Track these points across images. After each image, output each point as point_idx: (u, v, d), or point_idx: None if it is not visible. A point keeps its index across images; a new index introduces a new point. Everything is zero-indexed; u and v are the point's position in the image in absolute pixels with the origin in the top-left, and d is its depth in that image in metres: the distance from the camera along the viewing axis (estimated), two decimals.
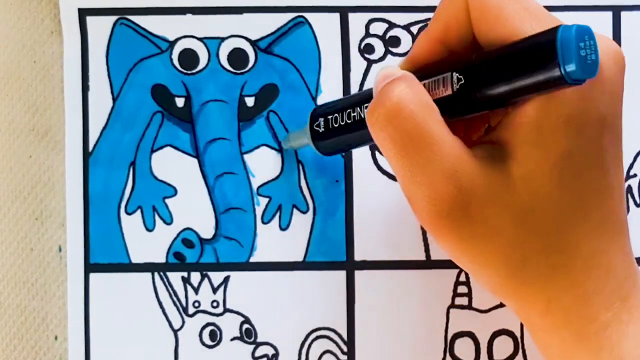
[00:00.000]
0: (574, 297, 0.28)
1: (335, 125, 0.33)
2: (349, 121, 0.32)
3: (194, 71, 0.37)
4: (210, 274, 0.37)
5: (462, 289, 0.37)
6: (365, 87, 0.37)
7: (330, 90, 0.37)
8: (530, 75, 0.25)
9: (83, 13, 0.37)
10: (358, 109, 0.31)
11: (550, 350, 0.30)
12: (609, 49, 0.28)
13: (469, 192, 0.27)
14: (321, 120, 0.33)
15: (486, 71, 0.27)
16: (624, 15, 0.37)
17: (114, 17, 0.37)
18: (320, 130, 0.33)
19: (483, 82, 0.27)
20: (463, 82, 0.28)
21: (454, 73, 0.28)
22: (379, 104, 0.28)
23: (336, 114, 0.32)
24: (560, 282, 0.28)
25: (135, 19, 0.37)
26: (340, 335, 0.37)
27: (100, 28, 0.37)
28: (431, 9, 0.37)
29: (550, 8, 0.37)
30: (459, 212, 0.28)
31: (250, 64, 0.37)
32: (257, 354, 0.37)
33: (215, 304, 0.37)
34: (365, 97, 0.31)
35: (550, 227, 0.28)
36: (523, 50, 0.26)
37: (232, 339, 0.37)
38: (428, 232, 0.29)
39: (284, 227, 0.37)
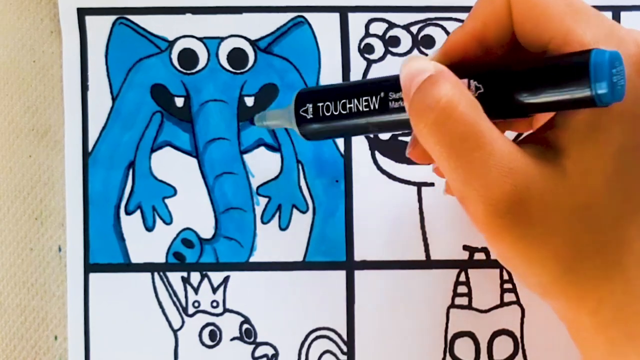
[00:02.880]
0: (625, 295, 0.28)
1: (327, 114, 0.31)
2: (343, 112, 0.30)
3: (193, 71, 0.37)
4: (210, 274, 0.37)
5: (462, 289, 0.37)
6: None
7: None
8: (559, 93, 0.25)
9: (82, 13, 0.37)
10: (356, 100, 0.30)
11: (596, 351, 0.29)
12: None
13: (525, 190, 0.27)
14: (309, 106, 0.31)
15: (513, 83, 0.27)
16: (624, 15, 0.37)
17: (113, 17, 0.37)
18: (308, 117, 0.31)
19: (507, 95, 0.27)
20: (482, 91, 0.27)
21: (472, 81, 0.27)
22: (424, 108, 0.27)
23: (328, 102, 0.31)
24: (614, 280, 0.28)
25: (134, 18, 0.37)
26: (340, 335, 0.37)
27: (99, 28, 0.37)
28: (431, 9, 0.37)
29: None
30: (516, 211, 0.27)
31: (250, 64, 0.37)
32: (257, 354, 0.37)
33: (215, 304, 0.37)
34: (365, 88, 0.30)
35: (606, 224, 0.27)
36: (554, 68, 0.26)
37: (231, 339, 0.37)
38: (483, 234, 0.28)
39: (283, 227, 0.37)
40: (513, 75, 0.27)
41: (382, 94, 0.29)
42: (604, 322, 0.28)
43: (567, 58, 0.26)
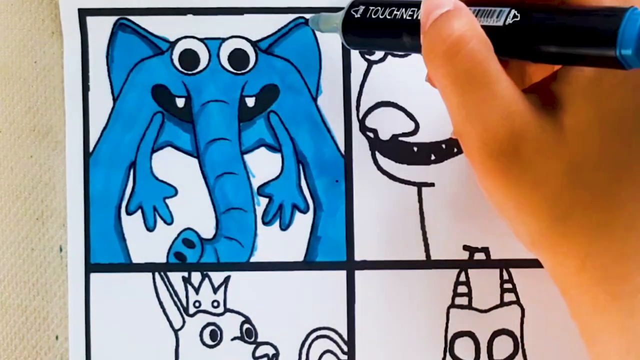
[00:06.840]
0: (611, 256, 0.28)
1: (374, 17, 0.31)
2: (389, 17, 0.31)
3: (194, 71, 0.38)
4: (210, 274, 0.37)
5: (462, 289, 0.37)
6: (367, 87, 0.37)
7: (330, 91, 0.37)
8: (585, 48, 0.25)
9: (83, 13, 0.37)
10: (403, 9, 0.30)
11: (581, 309, 0.29)
12: None
13: (521, 135, 0.27)
14: (362, 7, 0.32)
15: (541, 26, 0.26)
16: None
17: (114, 18, 0.37)
18: (356, 16, 0.32)
19: (535, 36, 0.27)
20: (518, 19, 0.27)
21: (512, 10, 0.27)
22: (437, 40, 0.27)
23: (379, 7, 0.31)
24: (601, 239, 0.28)
25: (135, 19, 0.37)
26: (340, 335, 0.37)
27: (100, 28, 0.37)
28: None
29: None
30: (510, 154, 0.27)
31: (251, 65, 0.37)
32: (258, 353, 0.37)
33: (215, 303, 0.37)
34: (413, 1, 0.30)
35: (598, 182, 0.28)
36: (586, 21, 0.26)
37: (232, 339, 0.37)
38: (476, 173, 0.29)
39: (284, 227, 0.37)
40: (540, 19, 0.27)
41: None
42: (589, 280, 0.28)
43: (600, 12, 0.25)
